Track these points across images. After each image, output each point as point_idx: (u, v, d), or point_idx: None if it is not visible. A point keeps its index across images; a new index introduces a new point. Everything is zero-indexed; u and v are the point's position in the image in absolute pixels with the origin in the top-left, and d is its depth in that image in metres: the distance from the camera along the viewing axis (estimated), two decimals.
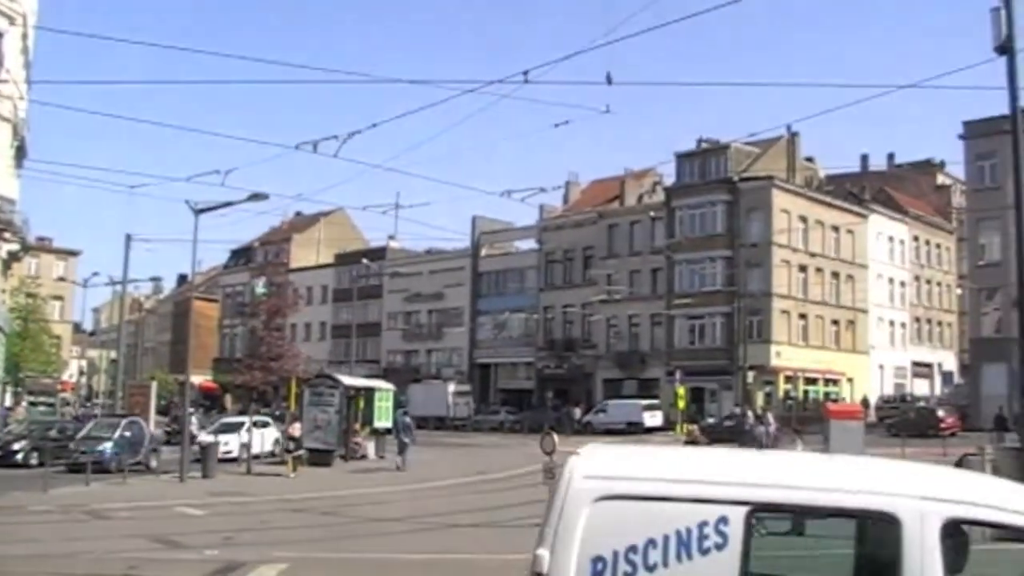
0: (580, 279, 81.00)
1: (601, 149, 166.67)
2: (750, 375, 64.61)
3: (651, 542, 5.51)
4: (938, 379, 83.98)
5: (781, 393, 69.31)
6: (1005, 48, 19.02)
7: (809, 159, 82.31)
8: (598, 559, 5.53)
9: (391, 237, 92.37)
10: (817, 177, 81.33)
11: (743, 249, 68.61)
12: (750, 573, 5.41)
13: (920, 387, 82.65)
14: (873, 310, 79.92)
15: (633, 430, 62.50)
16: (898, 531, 5.16)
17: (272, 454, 42.73)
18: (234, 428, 44.18)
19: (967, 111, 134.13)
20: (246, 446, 39.67)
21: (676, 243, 72.60)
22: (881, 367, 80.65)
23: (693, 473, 5.90)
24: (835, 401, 64.36)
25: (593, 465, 5.96)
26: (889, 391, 77.92)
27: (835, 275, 76.04)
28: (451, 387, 79.59)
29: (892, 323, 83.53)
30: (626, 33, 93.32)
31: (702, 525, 5.45)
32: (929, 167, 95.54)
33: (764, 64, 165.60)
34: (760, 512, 5.57)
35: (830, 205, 76.41)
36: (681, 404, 64.47)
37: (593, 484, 5.72)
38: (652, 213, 75.86)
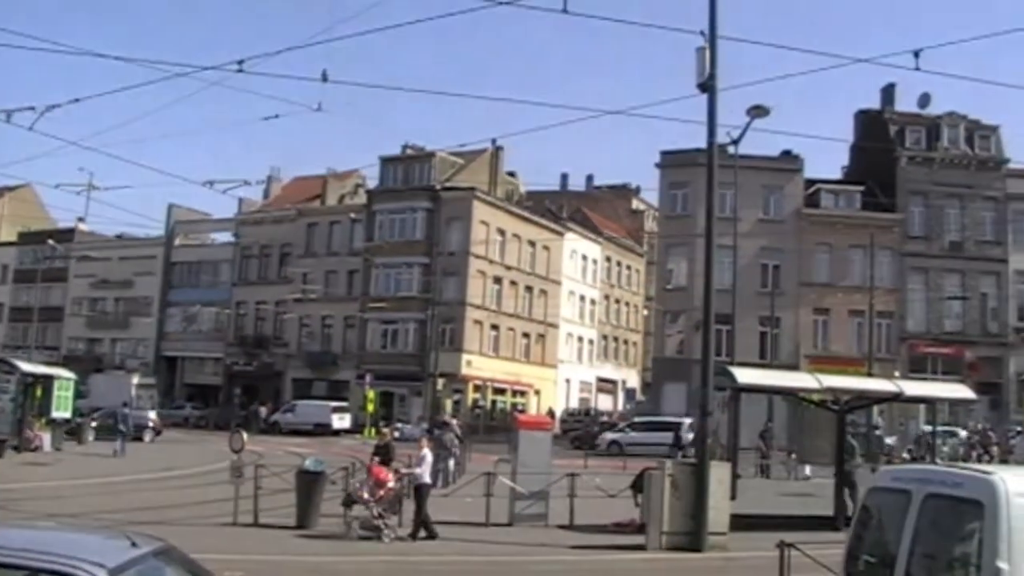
0: (275, 276, 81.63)
1: (309, 147, 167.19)
2: (440, 382, 67.50)
3: None
4: (621, 395, 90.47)
5: (470, 401, 72.86)
6: (706, 86, 20.86)
7: (511, 174, 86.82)
8: None
9: (81, 219, 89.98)
10: (518, 192, 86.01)
11: (441, 257, 71.53)
12: None
13: (604, 402, 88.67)
14: (563, 325, 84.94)
15: (321, 431, 63.59)
16: None
17: None
18: None
19: (666, 141, 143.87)
20: None
21: (375, 246, 74.89)
22: (568, 381, 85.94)
23: None
24: (522, 412, 67.22)
25: (1023, 484, 6.97)
26: (574, 405, 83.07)
27: (529, 289, 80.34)
28: (135, 379, 77.77)
29: (581, 339, 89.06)
30: (346, 33, 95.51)
31: None
32: (625, 191, 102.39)
33: (475, 77, 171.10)
34: None
35: (528, 220, 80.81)
36: (371, 407, 66.44)
37: None
38: (352, 215, 77.51)
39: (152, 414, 58.95)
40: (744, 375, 25.19)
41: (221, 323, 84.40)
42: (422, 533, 20.22)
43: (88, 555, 5.88)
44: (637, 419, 62.26)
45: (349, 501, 20.57)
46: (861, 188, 68.22)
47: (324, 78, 21.91)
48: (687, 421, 60.29)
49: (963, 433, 44.56)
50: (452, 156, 76.56)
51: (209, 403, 78.61)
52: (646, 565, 19.06)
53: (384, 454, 22.69)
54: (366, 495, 20.24)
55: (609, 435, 58.21)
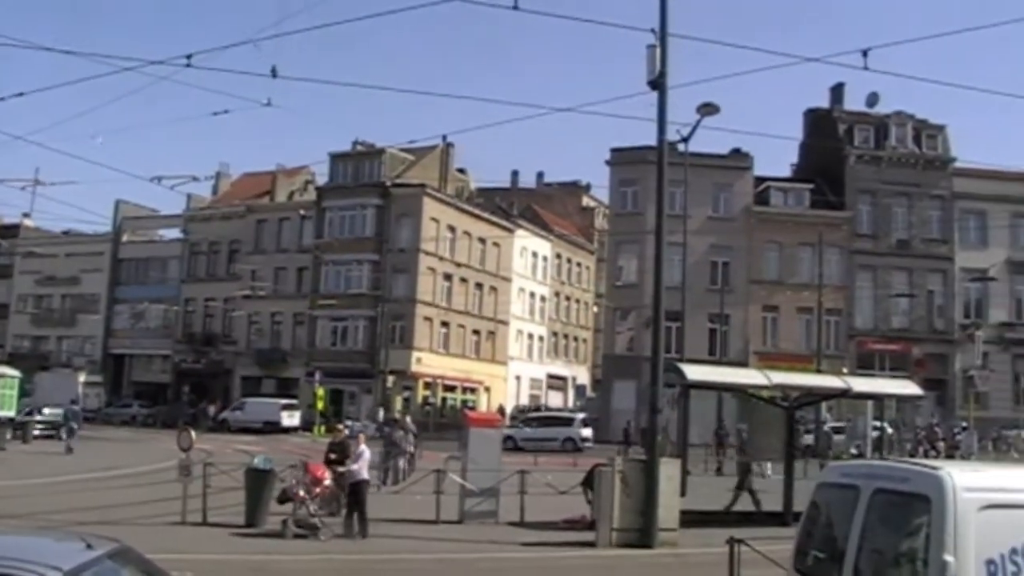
0: (224, 273, 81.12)
1: (258, 143, 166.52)
2: (390, 379, 67.56)
3: None
4: (572, 392, 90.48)
5: (420, 399, 72.73)
6: (657, 84, 20.90)
7: (462, 171, 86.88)
8: (990, 562, 6.64)
9: (26, 215, 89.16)
10: (468, 189, 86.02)
11: (391, 254, 71.66)
12: None
13: (554, 399, 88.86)
14: (513, 322, 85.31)
15: (270, 429, 63.06)
16: None
17: None
18: None
19: (617, 139, 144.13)
20: None
21: (324, 243, 74.75)
22: (518, 378, 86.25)
23: None
24: (472, 409, 67.13)
25: (969, 479, 7.09)
26: (525, 402, 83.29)
27: (479, 286, 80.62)
28: (82, 377, 77.05)
29: (531, 336, 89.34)
30: (296, 28, 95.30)
31: None
32: (576, 189, 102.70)
33: (426, 74, 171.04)
34: None
35: (479, 217, 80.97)
36: (320, 405, 66.15)
37: (976, 496, 6.83)
38: (302, 211, 76.97)
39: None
40: (694, 372, 25.28)
41: (169, 320, 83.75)
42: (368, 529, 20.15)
43: (43, 558, 5.83)
44: (532, 414, 62.08)
45: (284, 499, 20.45)
46: (810, 186, 68.81)
47: (274, 74, 21.71)
48: (580, 416, 60.86)
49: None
50: (402, 153, 76.41)
51: (157, 401, 78.04)
52: (596, 562, 19.08)
53: (340, 452, 22.59)
54: (302, 493, 20.14)
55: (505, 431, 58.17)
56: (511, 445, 52.63)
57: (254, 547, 18.76)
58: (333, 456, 22.49)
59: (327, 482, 20.85)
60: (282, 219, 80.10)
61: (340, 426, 26.55)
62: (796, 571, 8.33)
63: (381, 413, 59.12)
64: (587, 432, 57.99)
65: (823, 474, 9.23)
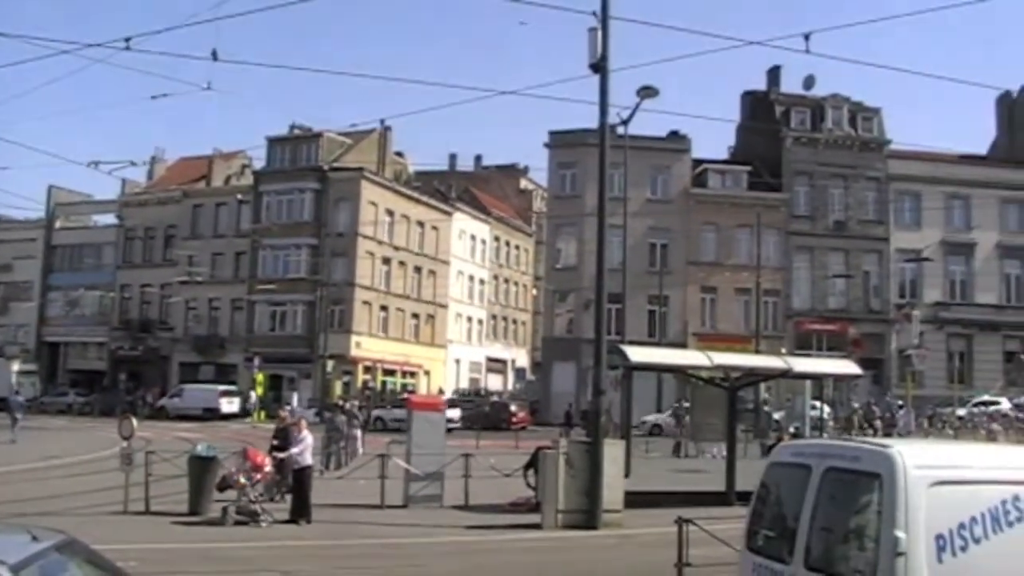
0: (161, 259, 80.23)
1: (197, 127, 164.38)
2: (330, 364, 67.45)
3: (973, 519, 6.94)
4: (511, 375, 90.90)
5: (360, 383, 72.20)
6: (598, 67, 21.09)
7: (400, 154, 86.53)
8: (939, 536, 6.87)
9: None
10: (407, 172, 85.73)
11: (329, 238, 71.17)
12: None
13: (494, 382, 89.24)
14: (452, 306, 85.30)
15: (210, 416, 62.61)
16: None
17: None
18: None
19: (557, 122, 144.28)
20: None
21: (262, 228, 74.23)
22: (457, 361, 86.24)
23: (992, 461, 7.82)
24: (412, 392, 66.78)
25: (920, 457, 7.31)
26: (464, 385, 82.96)
27: (418, 269, 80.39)
28: (15, 366, 76.58)
29: (470, 319, 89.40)
30: (234, 11, 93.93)
31: (1004, 503, 7.01)
32: (514, 171, 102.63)
33: (365, 57, 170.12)
34: None
35: (417, 201, 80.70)
36: (260, 391, 66.24)
37: (926, 473, 7.03)
38: (239, 196, 76.31)
39: None
40: (636, 354, 25.47)
41: (105, 307, 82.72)
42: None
43: None
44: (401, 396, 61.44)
45: (224, 486, 20.34)
46: (747, 168, 69.30)
47: (214, 56, 21.40)
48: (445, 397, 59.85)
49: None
50: (340, 136, 75.87)
51: (94, 389, 76.83)
52: (542, 544, 19.14)
53: (282, 438, 22.45)
54: (242, 479, 20.02)
55: (376, 411, 58.46)
56: (381, 426, 53.83)
57: (198, 535, 18.66)
58: (276, 442, 22.41)
59: (268, 468, 20.76)
60: (219, 204, 79.36)
61: (283, 413, 26.33)
62: (748, 550, 8.39)
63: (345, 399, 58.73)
64: (454, 413, 55.05)
65: (774, 453, 9.30)
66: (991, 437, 42.27)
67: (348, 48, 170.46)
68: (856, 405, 52.09)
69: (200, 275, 75.51)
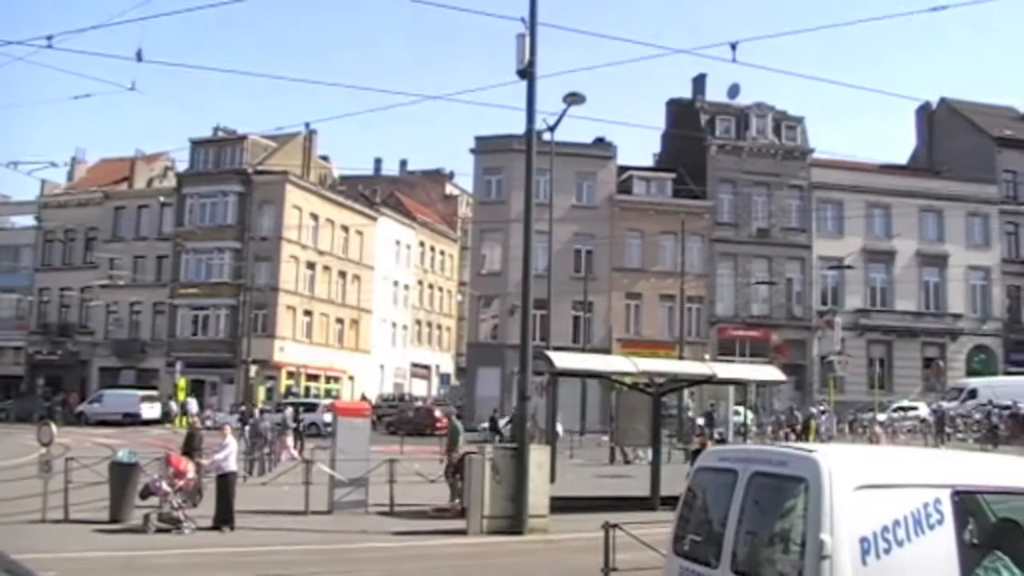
0: (81, 261, 78.86)
1: (119, 128, 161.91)
2: (253, 369, 66.58)
3: (896, 522, 6.98)
4: (436, 380, 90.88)
5: (283, 388, 71.77)
6: (526, 73, 21.08)
7: (324, 158, 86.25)
8: (864, 539, 6.90)
9: None
10: (331, 176, 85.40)
11: (253, 242, 70.04)
12: (965, 544, 7.06)
13: (418, 387, 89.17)
14: (377, 311, 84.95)
15: (130, 421, 61.87)
16: None
17: None
18: None
19: (482, 128, 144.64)
20: None
21: (185, 231, 73.35)
22: (382, 366, 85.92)
23: (915, 465, 7.89)
24: (336, 398, 67.17)
25: (844, 461, 7.41)
26: (389, 390, 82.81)
27: (342, 274, 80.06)
28: None
29: (395, 324, 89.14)
30: (159, 11, 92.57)
31: (926, 505, 7.05)
32: (439, 177, 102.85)
33: (290, 60, 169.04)
34: (961, 495, 7.23)
35: (342, 205, 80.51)
36: (181, 396, 65.30)
37: (850, 477, 7.09)
38: (162, 198, 75.10)
39: None
40: (562, 359, 25.55)
41: (22, 310, 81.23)
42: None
43: None
44: (285, 400, 60.89)
45: (147, 493, 20.11)
46: (672, 175, 69.83)
47: (139, 57, 21.27)
48: (324, 402, 58.95)
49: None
50: (265, 139, 75.46)
51: (10, 394, 75.08)
52: (467, 549, 19.15)
53: (188, 443, 22.22)
54: (165, 486, 19.81)
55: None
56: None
57: (119, 543, 18.39)
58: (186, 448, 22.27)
59: (190, 475, 20.56)
60: (141, 206, 78.30)
61: (195, 418, 26.04)
62: (675, 554, 8.45)
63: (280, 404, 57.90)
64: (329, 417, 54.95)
65: (701, 458, 9.37)
66: (873, 442, 43.42)
67: (274, 51, 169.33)
68: (778, 411, 52.78)
69: (121, 278, 74.35)
